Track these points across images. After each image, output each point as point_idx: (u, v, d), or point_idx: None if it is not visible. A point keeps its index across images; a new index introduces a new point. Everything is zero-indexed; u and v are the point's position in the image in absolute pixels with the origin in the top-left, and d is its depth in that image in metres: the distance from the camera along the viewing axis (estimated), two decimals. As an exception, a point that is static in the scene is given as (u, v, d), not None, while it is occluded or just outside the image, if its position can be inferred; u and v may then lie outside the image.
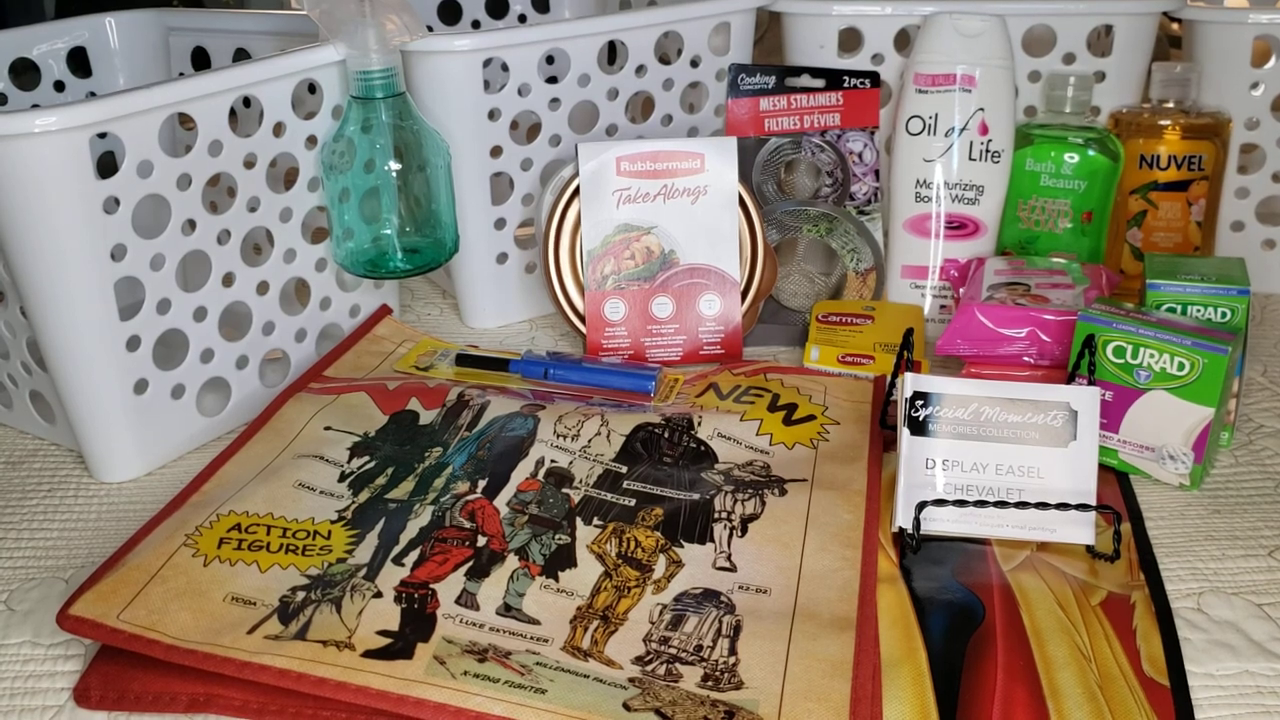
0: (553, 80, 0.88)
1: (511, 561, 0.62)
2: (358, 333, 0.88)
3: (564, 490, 0.68)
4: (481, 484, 0.68)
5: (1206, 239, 0.92)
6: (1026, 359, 0.76)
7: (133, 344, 0.72)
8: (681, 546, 0.64)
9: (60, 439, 0.79)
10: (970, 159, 0.87)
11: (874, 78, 0.91)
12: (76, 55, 0.95)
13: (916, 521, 0.64)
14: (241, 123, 0.79)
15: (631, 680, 0.54)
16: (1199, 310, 0.71)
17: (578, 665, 0.55)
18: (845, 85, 0.91)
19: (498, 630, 0.57)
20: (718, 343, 0.86)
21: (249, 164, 0.77)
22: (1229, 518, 0.67)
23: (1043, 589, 0.61)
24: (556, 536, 0.64)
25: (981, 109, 0.86)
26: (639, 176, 0.84)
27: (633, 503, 0.67)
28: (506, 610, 0.59)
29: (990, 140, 0.87)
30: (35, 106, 0.86)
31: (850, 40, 0.96)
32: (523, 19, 1.20)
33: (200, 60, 0.98)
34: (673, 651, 0.56)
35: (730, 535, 0.65)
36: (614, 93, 0.92)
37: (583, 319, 0.86)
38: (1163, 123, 0.89)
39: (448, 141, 0.83)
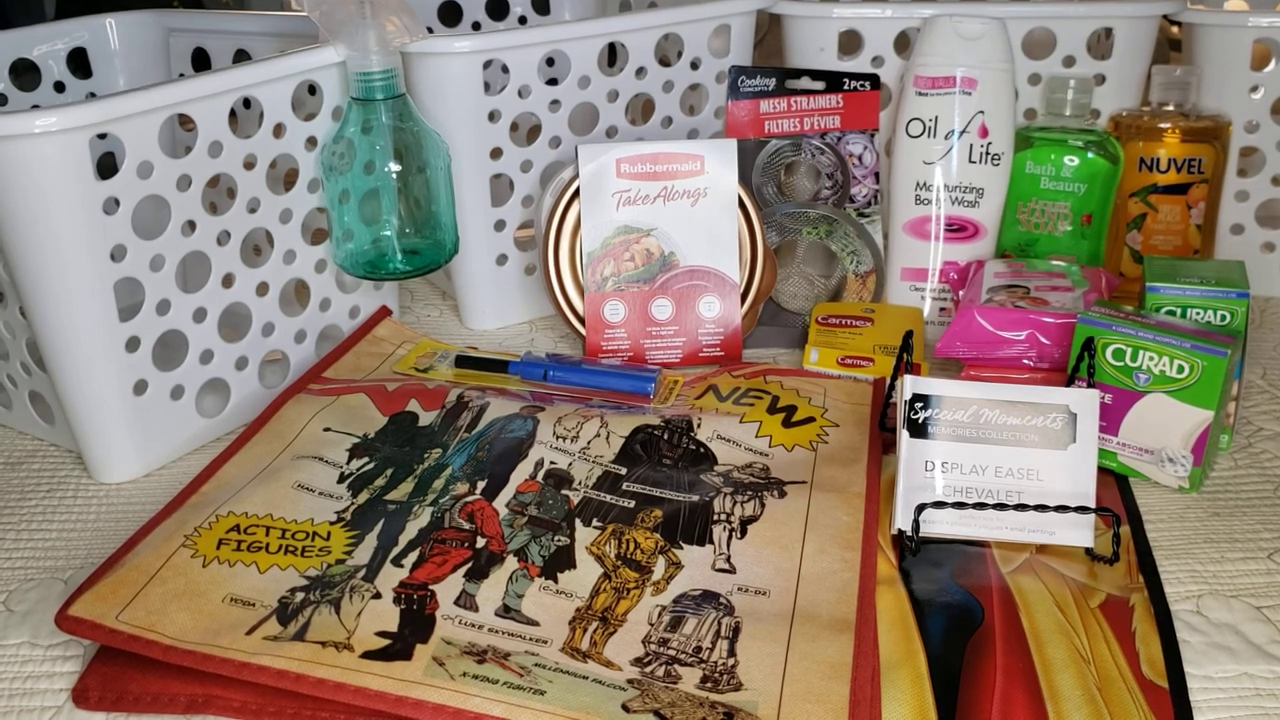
0: (553, 82, 0.88)
1: (510, 563, 0.62)
2: (357, 334, 0.88)
3: (563, 492, 0.68)
4: (481, 485, 0.68)
5: (1206, 242, 0.92)
6: (1026, 361, 0.76)
7: (132, 345, 0.72)
8: (681, 548, 0.64)
9: (59, 440, 0.79)
10: (970, 161, 0.87)
11: (874, 80, 0.91)
12: (77, 56, 0.95)
13: (916, 524, 0.64)
14: (241, 124, 0.79)
15: (630, 681, 0.54)
16: (1198, 313, 0.71)
17: (576, 666, 0.55)
18: (845, 88, 0.91)
19: (496, 631, 0.57)
20: (717, 345, 0.86)
21: (249, 165, 0.77)
22: (1228, 520, 0.67)
23: (1042, 591, 0.61)
24: (556, 538, 0.64)
25: (981, 112, 0.86)
26: (639, 178, 0.84)
27: (632, 504, 0.67)
28: (505, 611, 0.59)
29: (990, 143, 0.87)
30: (35, 107, 0.86)
31: (850, 43, 0.96)
32: (523, 21, 1.20)
33: (200, 61, 0.98)
34: (672, 653, 0.56)
35: (729, 537, 0.65)
36: (614, 94, 0.92)
37: (582, 321, 0.86)
38: (1162, 126, 0.89)
39: (448, 143, 0.83)
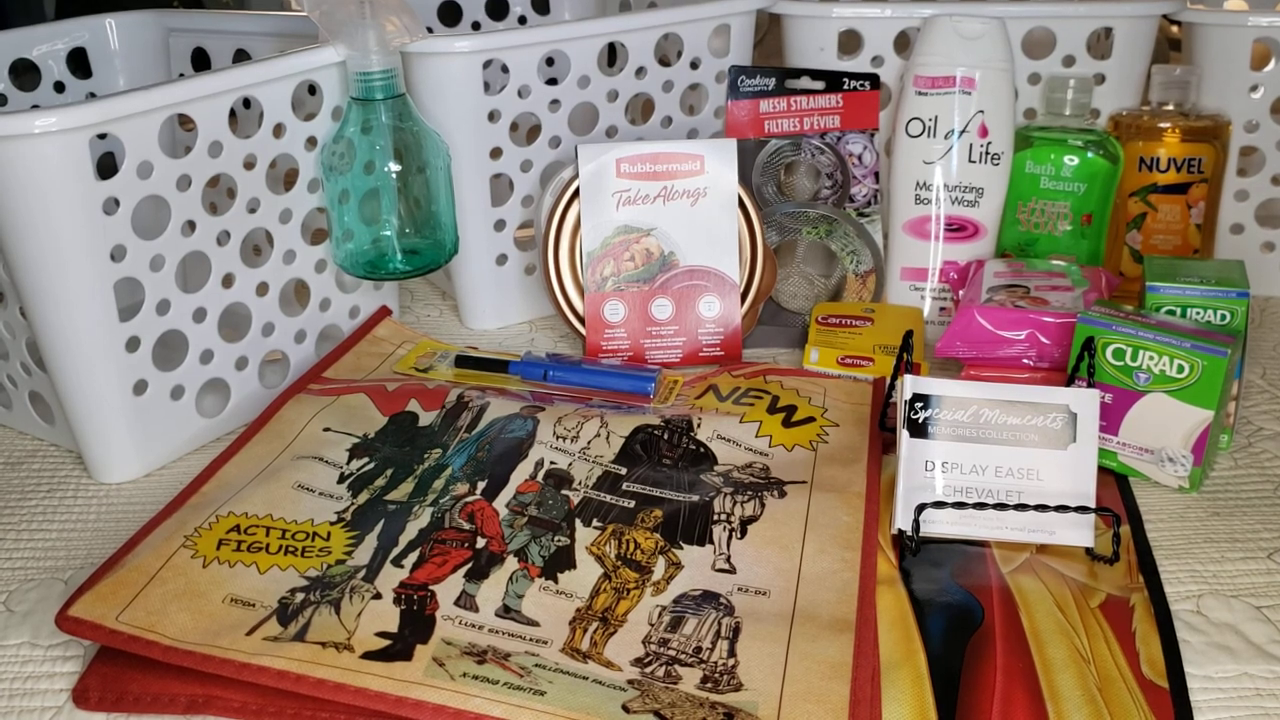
0: (553, 82, 0.88)
1: (511, 563, 0.62)
2: (357, 334, 0.88)
3: (563, 492, 0.68)
4: (481, 485, 0.68)
5: (1206, 241, 0.92)
6: (1026, 361, 0.76)
7: (132, 345, 0.72)
8: (681, 548, 0.64)
9: (59, 440, 0.79)
10: (970, 161, 0.87)
11: (874, 80, 0.91)
12: (76, 56, 0.95)
13: (916, 523, 0.64)
14: (241, 124, 0.79)
15: (630, 682, 0.54)
16: (1198, 313, 0.71)
17: (577, 667, 0.55)
18: (845, 87, 0.91)
19: (497, 632, 0.57)
20: (717, 344, 0.86)
21: (249, 165, 0.77)
22: (1228, 520, 0.67)
23: (1042, 591, 0.61)
24: (556, 538, 0.64)
25: (981, 111, 0.86)
26: (639, 178, 0.84)
27: (632, 504, 0.67)
28: (505, 612, 0.59)
29: (990, 142, 0.87)
30: (35, 107, 0.86)
31: (850, 42, 0.96)
32: (523, 20, 1.20)
33: (200, 61, 0.98)
34: (672, 653, 0.56)
35: (729, 537, 0.65)
36: (614, 94, 0.92)
37: (582, 320, 0.86)
38: (1162, 125, 0.89)
39: (447, 143, 0.83)
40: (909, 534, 0.64)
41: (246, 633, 0.56)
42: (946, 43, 0.86)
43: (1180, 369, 0.67)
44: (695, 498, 0.68)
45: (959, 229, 0.89)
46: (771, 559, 0.63)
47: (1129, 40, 0.93)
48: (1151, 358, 0.67)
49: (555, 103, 0.89)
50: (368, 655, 0.54)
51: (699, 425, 0.74)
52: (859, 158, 0.92)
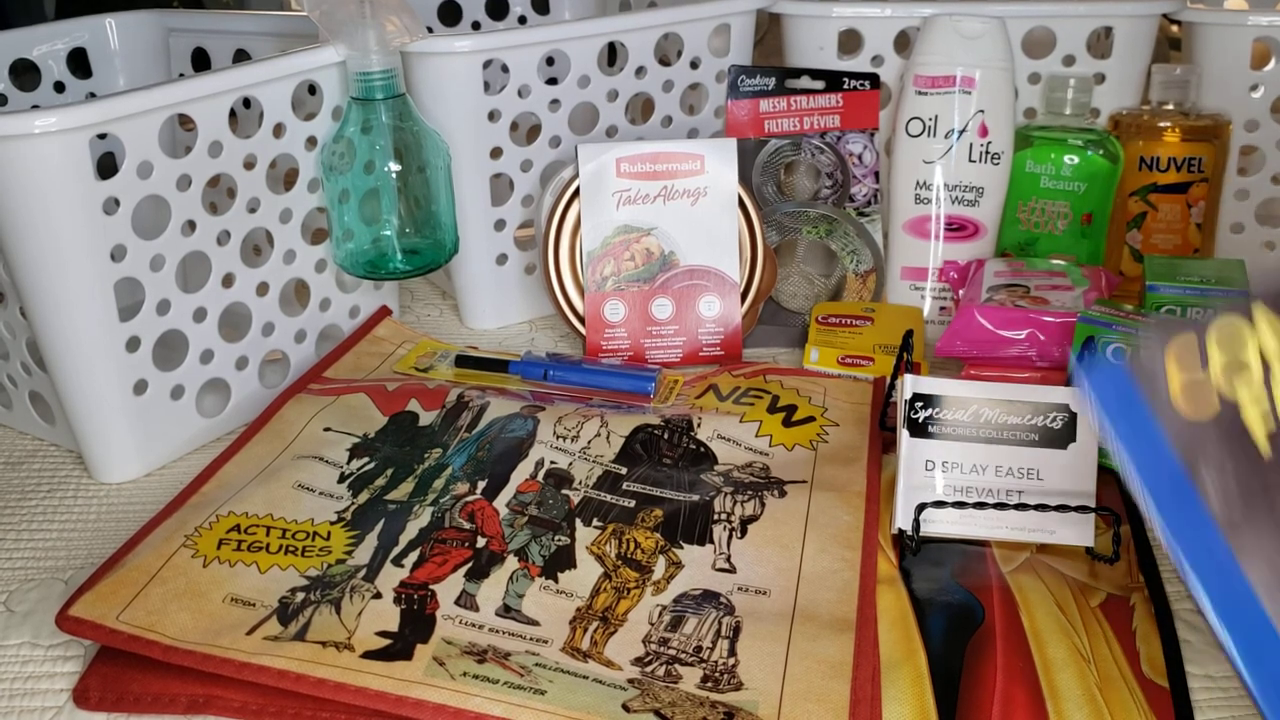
0: (553, 81, 0.88)
1: (511, 562, 0.62)
2: (357, 334, 0.88)
3: (563, 491, 0.68)
4: (481, 485, 0.68)
5: (1206, 241, 0.92)
6: (1027, 360, 0.76)
7: (132, 345, 0.72)
8: (681, 548, 0.64)
9: (60, 440, 0.79)
10: (970, 161, 0.87)
11: (874, 79, 0.91)
12: (77, 56, 0.95)
13: (916, 523, 0.64)
14: (241, 124, 0.79)
15: (631, 681, 0.54)
16: (1198, 312, 0.71)
17: (577, 666, 0.55)
18: (845, 87, 0.91)
19: (497, 631, 0.57)
20: (717, 344, 0.86)
21: (249, 165, 0.77)
22: (1228, 519, 0.67)
23: (1042, 590, 0.61)
24: (556, 538, 0.64)
25: (981, 111, 0.86)
26: (639, 178, 0.84)
27: (632, 504, 0.67)
28: (506, 611, 0.59)
29: (990, 142, 0.87)
30: (35, 107, 0.86)
31: (850, 42, 0.96)
32: (523, 20, 1.20)
33: (200, 61, 0.98)
34: (672, 652, 0.56)
35: (730, 536, 0.65)
36: (614, 94, 0.92)
37: (582, 320, 0.86)
38: (1162, 125, 0.89)
39: (447, 143, 0.83)
40: (909, 533, 0.64)
41: (247, 632, 0.56)
42: (946, 42, 0.86)
43: (1180, 368, 0.66)
44: (695, 497, 0.68)
45: (959, 228, 0.89)
46: (772, 558, 0.63)
47: (1129, 40, 0.93)
48: (1152, 357, 0.67)
49: (555, 102, 0.89)
50: (368, 655, 0.54)
51: (699, 425, 0.74)
52: (859, 157, 0.92)
